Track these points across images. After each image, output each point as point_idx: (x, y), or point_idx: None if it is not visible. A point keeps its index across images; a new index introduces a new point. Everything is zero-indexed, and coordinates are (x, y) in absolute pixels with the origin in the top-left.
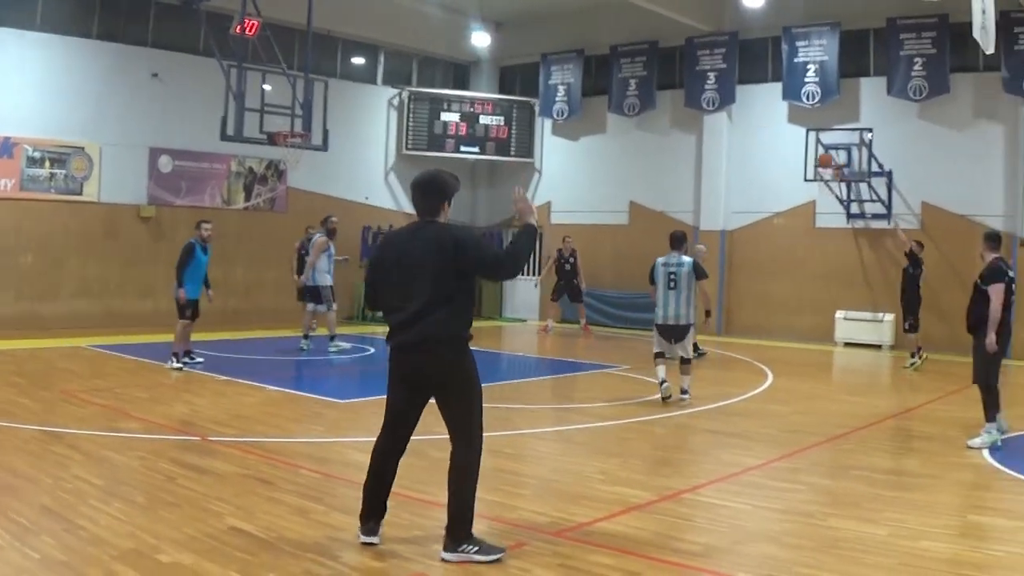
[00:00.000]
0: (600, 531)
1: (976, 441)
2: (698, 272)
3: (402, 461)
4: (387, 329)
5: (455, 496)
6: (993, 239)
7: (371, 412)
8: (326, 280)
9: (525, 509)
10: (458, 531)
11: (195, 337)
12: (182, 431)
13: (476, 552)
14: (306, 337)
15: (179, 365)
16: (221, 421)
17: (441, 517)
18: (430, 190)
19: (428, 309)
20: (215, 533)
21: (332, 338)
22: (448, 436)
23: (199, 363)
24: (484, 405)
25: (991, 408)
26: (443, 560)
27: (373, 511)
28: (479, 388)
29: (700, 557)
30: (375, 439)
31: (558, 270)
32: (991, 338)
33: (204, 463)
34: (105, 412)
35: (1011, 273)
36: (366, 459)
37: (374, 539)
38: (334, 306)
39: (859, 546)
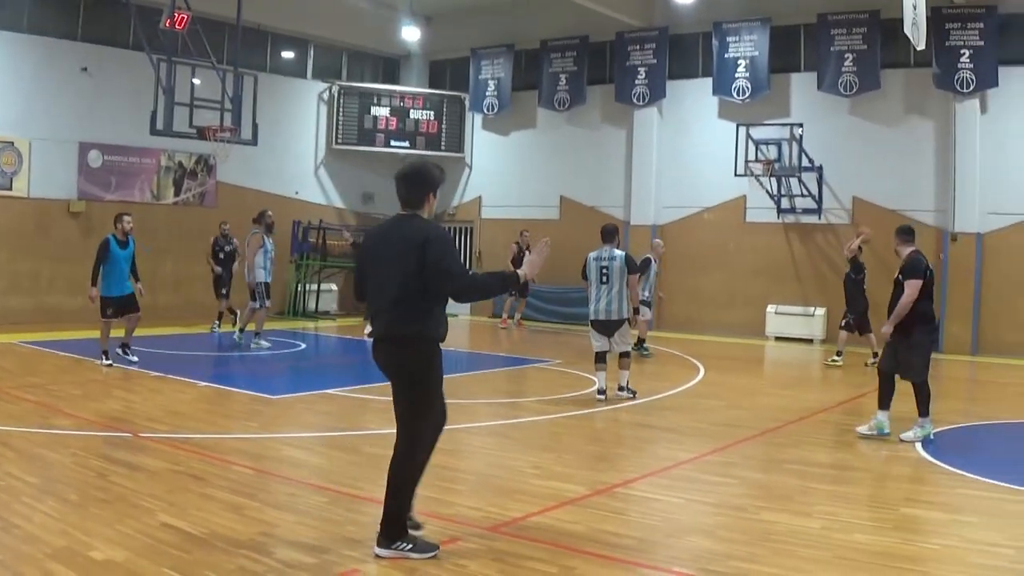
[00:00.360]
0: (535, 526)
1: (908, 435)
2: (630, 266)
3: (335, 456)
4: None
5: (389, 491)
6: (907, 233)
7: (304, 408)
8: (260, 276)
9: (460, 505)
10: (391, 528)
11: (136, 333)
12: (115, 428)
13: (410, 549)
14: (241, 331)
15: (108, 363)
16: (154, 418)
17: (372, 512)
18: (415, 181)
19: (395, 303)
20: (148, 530)
21: (257, 335)
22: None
23: (134, 361)
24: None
25: (925, 402)
26: (377, 556)
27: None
28: (430, 387)
29: (634, 551)
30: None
31: (515, 262)
32: (888, 328)
33: (137, 460)
34: (37, 409)
35: (930, 267)
36: (299, 455)
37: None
38: (267, 303)
39: (792, 539)
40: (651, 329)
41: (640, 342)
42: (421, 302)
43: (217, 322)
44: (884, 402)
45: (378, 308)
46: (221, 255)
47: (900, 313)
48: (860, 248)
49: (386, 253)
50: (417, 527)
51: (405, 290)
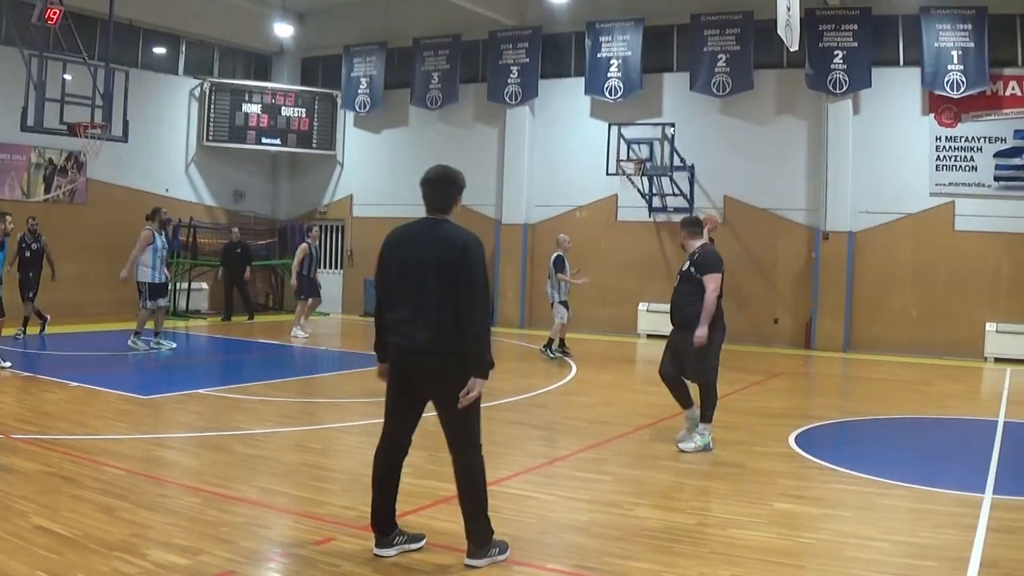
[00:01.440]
0: (409, 524)
1: (688, 445)
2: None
3: (207, 456)
4: (385, 325)
5: (476, 503)
6: (694, 224)
7: (175, 407)
8: (146, 276)
9: (333, 504)
10: (484, 536)
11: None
12: None
13: (498, 552)
14: (136, 333)
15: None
16: (24, 419)
17: (245, 513)
18: (444, 185)
19: (439, 313)
20: (19, 532)
21: (136, 334)
22: (447, 442)
23: (6, 366)
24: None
25: (710, 407)
26: (472, 567)
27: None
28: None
29: (509, 548)
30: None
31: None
32: (703, 331)
33: (7, 461)
34: None
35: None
36: (171, 455)
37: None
38: (159, 303)
39: (667, 535)
40: (523, 327)
41: (549, 343)
42: (455, 310)
43: (22, 328)
44: (688, 403)
45: (413, 317)
46: (27, 253)
47: (710, 311)
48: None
49: (423, 259)
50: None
51: (450, 300)
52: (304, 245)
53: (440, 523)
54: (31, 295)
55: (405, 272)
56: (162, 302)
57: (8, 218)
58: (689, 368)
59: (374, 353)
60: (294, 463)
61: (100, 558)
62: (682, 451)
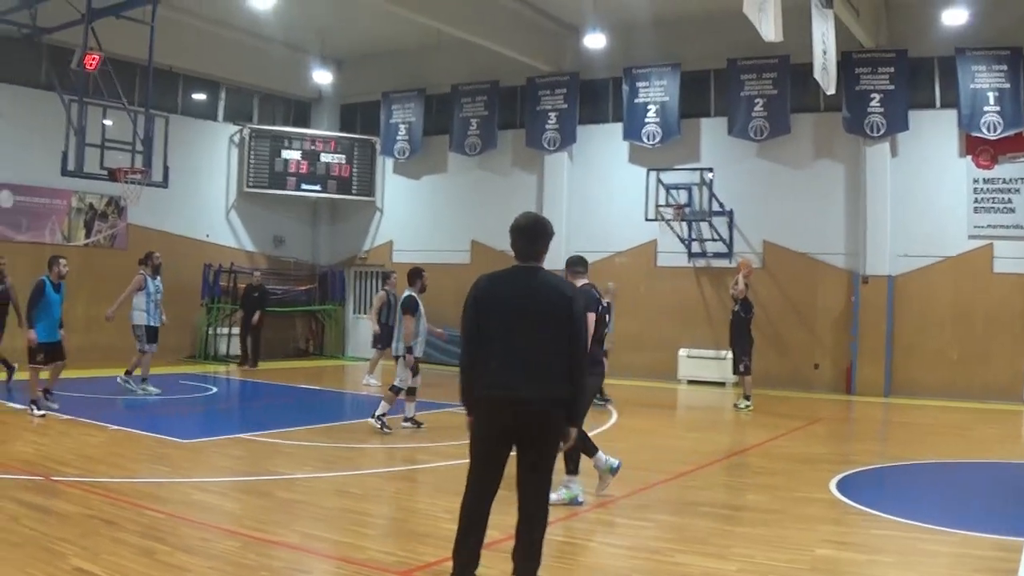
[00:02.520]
0: (447, 570)
1: (553, 496)
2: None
3: (246, 500)
4: (477, 374)
5: (535, 552)
6: (578, 264)
7: (214, 452)
8: (141, 319)
9: (373, 549)
10: None
11: (45, 376)
12: (25, 471)
13: None
14: (127, 373)
15: (41, 413)
16: (65, 461)
17: (285, 557)
18: (538, 233)
19: (549, 362)
20: (59, 574)
21: (144, 380)
22: (519, 486)
23: (54, 408)
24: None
25: (578, 457)
26: None
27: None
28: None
29: None
30: (463, 495)
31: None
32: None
33: (48, 503)
34: None
35: (604, 301)
36: (211, 499)
37: None
38: (149, 348)
39: None
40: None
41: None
42: (563, 357)
43: None
44: (592, 450)
45: (516, 367)
46: None
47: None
48: (747, 285)
49: (525, 308)
50: None
51: (558, 349)
52: (382, 293)
53: (480, 569)
54: None
55: (505, 321)
56: (154, 347)
57: (63, 261)
58: None
59: (462, 405)
60: (334, 508)
61: None
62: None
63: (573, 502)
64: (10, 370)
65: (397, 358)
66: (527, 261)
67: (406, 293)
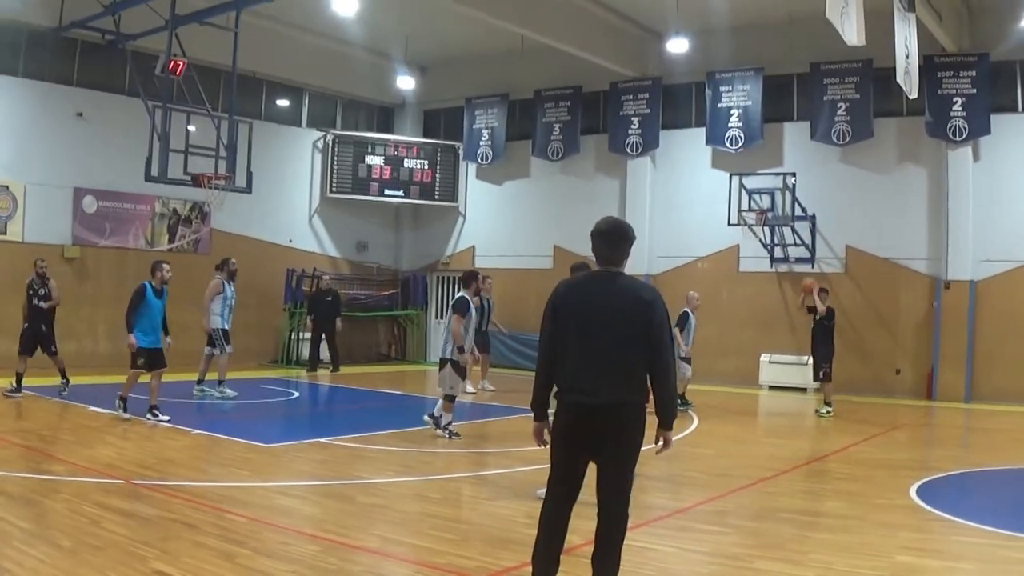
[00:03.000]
0: (526, 573)
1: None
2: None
3: (328, 505)
4: (557, 380)
5: (615, 557)
6: (579, 269)
7: (295, 456)
8: (217, 323)
9: (452, 554)
10: None
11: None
12: (107, 474)
13: None
14: (199, 383)
15: (127, 415)
16: (147, 464)
17: (365, 562)
18: (620, 238)
19: (625, 367)
20: None
21: (220, 382)
22: (599, 491)
23: (164, 420)
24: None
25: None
26: None
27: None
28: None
29: None
30: (543, 502)
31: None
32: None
33: (129, 507)
34: (29, 455)
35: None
36: (292, 503)
37: None
38: (227, 350)
39: None
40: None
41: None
42: (645, 366)
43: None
44: None
45: (598, 372)
46: (35, 300)
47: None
48: (825, 291)
49: (607, 313)
50: None
51: (636, 353)
52: (476, 298)
53: (560, 575)
54: (53, 349)
55: (586, 327)
56: (230, 349)
57: (165, 267)
58: None
59: (530, 410)
60: (414, 512)
61: None
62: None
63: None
64: (65, 380)
65: (445, 362)
66: (607, 266)
67: (460, 294)
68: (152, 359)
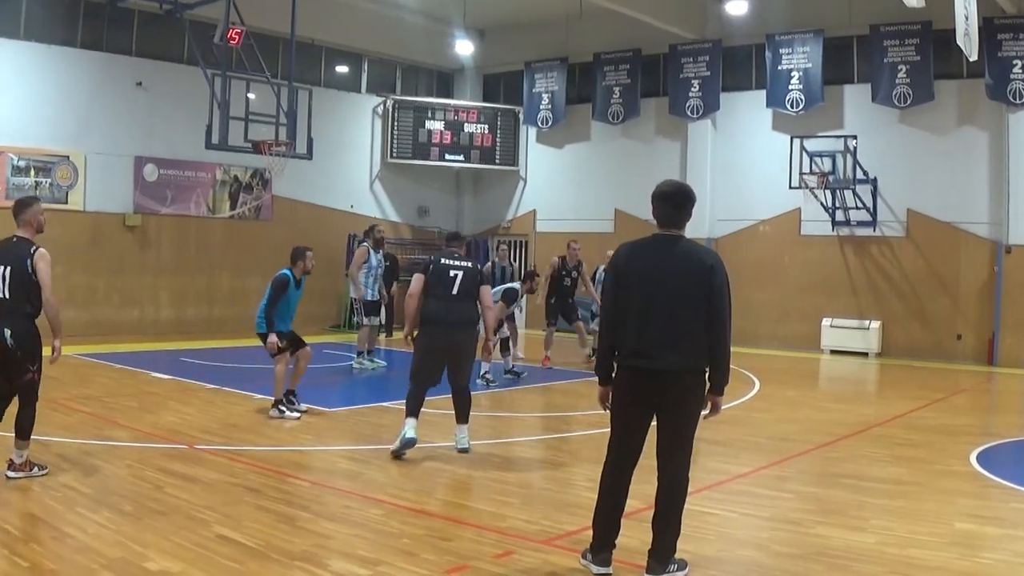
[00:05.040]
0: (588, 539)
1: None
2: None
3: (390, 468)
4: (620, 344)
5: (676, 517)
6: (453, 239)
7: (358, 420)
8: (367, 294)
9: (514, 518)
10: (670, 552)
11: (191, 346)
12: (170, 439)
13: (676, 568)
14: (366, 353)
15: (296, 415)
16: (209, 430)
17: (427, 525)
18: (683, 200)
19: (689, 332)
20: (203, 541)
21: (359, 353)
22: (659, 455)
23: (301, 411)
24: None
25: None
26: None
27: (609, 539)
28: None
29: (688, 565)
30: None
31: (556, 284)
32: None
33: (192, 472)
34: (92, 421)
35: (446, 262)
36: (354, 467)
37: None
38: (365, 321)
39: (847, 554)
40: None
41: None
42: (703, 329)
43: None
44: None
45: (660, 337)
46: None
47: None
48: None
49: (668, 278)
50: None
51: (699, 318)
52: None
53: (620, 538)
54: None
55: (648, 292)
56: (375, 320)
57: (310, 254)
58: None
59: (595, 374)
60: (476, 476)
61: (281, 568)
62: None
63: (404, 441)
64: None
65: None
66: (669, 229)
67: (509, 285)
68: (292, 340)
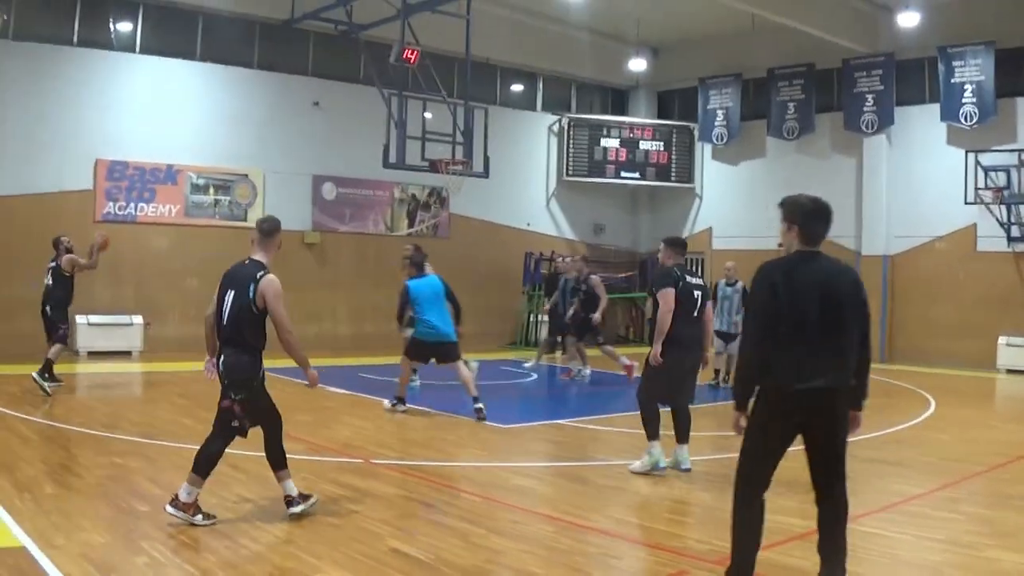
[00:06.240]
0: (760, 561)
1: (636, 465)
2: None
3: (563, 485)
4: (774, 364)
5: (843, 542)
6: (675, 244)
7: (532, 437)
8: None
9: (687, 537)
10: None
11: (368, 361)
12: (345, 453)
13: None
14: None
15: (403, 408)
16: (385, 444)
17: (599, 543)
18: (830, 216)
19: (848, 351)
20: (376, 554)
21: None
22: (820, 477)
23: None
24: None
25: (649, 426)
26: None
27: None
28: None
29: None
30: (737, 485)
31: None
32: (657, 349)
33: (366, 485)
34: None
35: (691, 279)
36: (528, 484)
37: None
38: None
39: None
40: (882, 361)
41: None
42: (855, 350)
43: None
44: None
45: (815, 355)
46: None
47: (661, 330)
48: None
49: (819, 295)
50: None
51: (852, 335)
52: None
53: (792, 560)
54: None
55: (800, 309)
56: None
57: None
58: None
59: (735, 398)
60: (650, 495)
61: None
62: (631, 471)
63: (655, 468)
64: (53, 382)
65: None
66: (814, 245)
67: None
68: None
